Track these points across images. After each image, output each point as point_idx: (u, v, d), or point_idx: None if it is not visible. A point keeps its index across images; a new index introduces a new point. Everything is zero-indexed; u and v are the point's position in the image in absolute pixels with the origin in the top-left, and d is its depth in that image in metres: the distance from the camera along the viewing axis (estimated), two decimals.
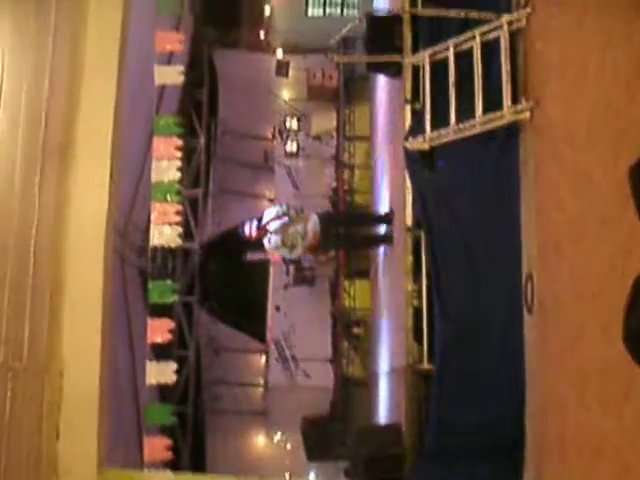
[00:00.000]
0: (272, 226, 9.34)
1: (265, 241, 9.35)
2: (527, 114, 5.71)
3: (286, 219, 9.44)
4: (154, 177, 5.68)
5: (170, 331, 5.61)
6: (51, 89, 4.75)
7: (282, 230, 9.31)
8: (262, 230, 9.28)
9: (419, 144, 6.88)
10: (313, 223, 9.48)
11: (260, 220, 9.45)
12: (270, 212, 9.66)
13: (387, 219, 9.93)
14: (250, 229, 9.24)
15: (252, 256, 16.38)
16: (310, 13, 19.31)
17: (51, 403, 4.70)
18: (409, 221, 7.48)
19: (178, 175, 5.67)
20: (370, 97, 16.28)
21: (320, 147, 17.31)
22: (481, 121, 6.17)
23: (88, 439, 4.78)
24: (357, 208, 16.86)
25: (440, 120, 6.71)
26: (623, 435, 3.80)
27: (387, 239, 9.84)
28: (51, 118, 4.97)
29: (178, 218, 5.62)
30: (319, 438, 13.00)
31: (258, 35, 18.48)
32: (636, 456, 3.63)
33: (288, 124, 16.79)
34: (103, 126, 5.35)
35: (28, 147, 4.52)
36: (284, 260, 15.92)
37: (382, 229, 10.55)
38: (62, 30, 4.86)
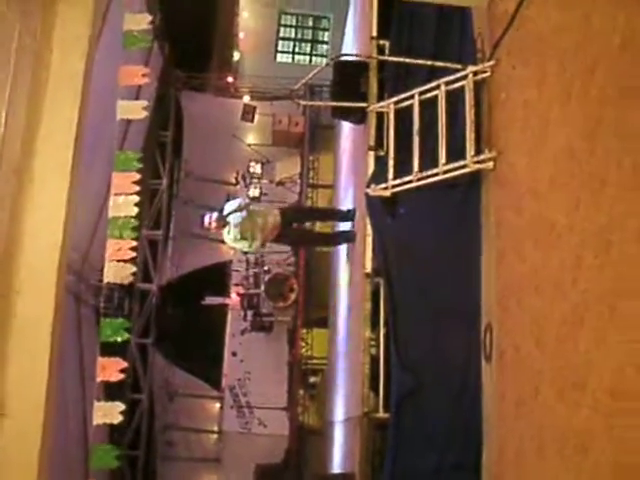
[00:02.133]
0: (232, 218, 9.19)
1: (224, 233, 9.20)
2: (490, 164, 5.72)
3: (245, 212, 9.27)
4: (111, 213, 5.56)
5: (122, 371, 5.43)
6: (10, 112, 4.63)
7: (242, 222, 9.16)
8: (221, 221, 9.12)
9: (381, 191, 6.87)
10: (274, 215, 9.34)
11: (221, 212, 9.29)
12: (231, 204, 9.49)
13: (349, 216, 9.80)
14: (210, 220, 9.09)
15: (211, 300, 16.26)
16: (279, 59, 19.51)
17: None
18: (369, 268, 7.43)
19: (135, 210, 5.55)
20: (335, 145, 16.37)
21: (284, 193, 17.31)
22: (444, 170, 6.17)
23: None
24: (318, 255, 16.83)
25: (403, 168, 6.71)
26: None
27: (349, 236, 9.68)
28: (7, 147, 4.84)
29: (133, 254, 5.48)
30: None
31: (226, 79, 18.58)
32: None
33: (252, 169, 16.76)
34: (62, 157, 5.22)
35: None
36: (242, 306, 15.85)
37: (345, 226, 10.39)
38: (24, 51, 4.77)
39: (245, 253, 14.69)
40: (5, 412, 4.62)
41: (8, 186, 4.88)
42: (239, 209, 9.17)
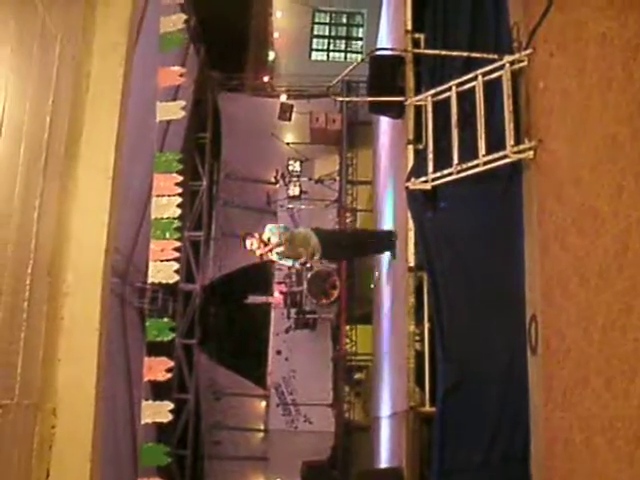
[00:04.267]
0: (273, 240, 9.20)
1: (271, 255, 9.23)
2: (530, 153, 5.68)
3: (285, 239, 9.30)
4: (154, 214, 5.64)
5: (168, 370, 5.50)
6: (53, 118, 4.71)
7: (284, 243, 9.18)
8: (264, 245, 9.14)
9: (421, 184, 6.85)
10: (314, 242, 9.34)
11: (261, 235, 9.29)
12: (270, 227, 9.51)
13: (389, 238, 9.78)
14: (251, 244, 9.11)
15: (254, 299, 16.35)
16: (314, 57, 19.51)
17: (42, 442, 4.58)
18: (412, 262, 7.41)
19: (178, 212, 5.62)
20: (373, 141, 16.34)
21: (323, 190, 17.34)
22: (484, 161, 6.13)
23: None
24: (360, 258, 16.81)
25: (443, 160, 6.68)
26: None
27: (390, 245, 9.65)
28: (52, 153, 4.92)
29: (176, 254, 5.54)
30: None
31: (262, 79, 18.65)
32: None
33: (291, 167, 16.83)
34: (104, 162, 5.30)
35: (28, 178, 4.47)
36: (285, 304, 15.90)
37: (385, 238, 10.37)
38: (65, 59, 4.85)
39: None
40: (57, 414, 4.71)
41: (53, 191, 4.96)
42: (278, 244, 9.17)
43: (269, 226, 9.38)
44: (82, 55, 5.08)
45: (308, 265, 10.02)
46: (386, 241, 9.97)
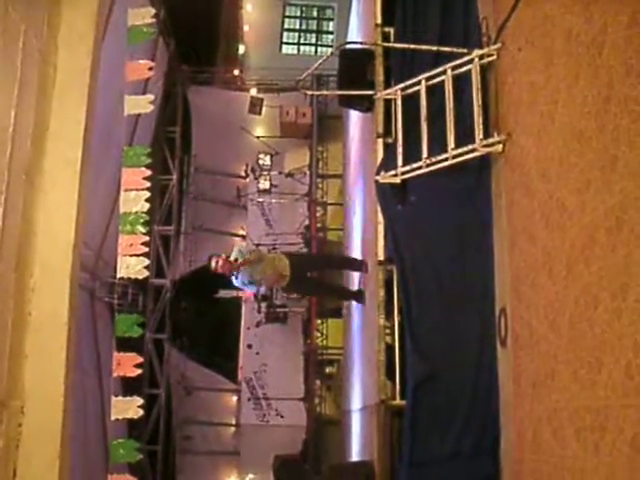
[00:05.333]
0: (240, 262, 9.08)
1: (233, 277, 9.10)
2: (499, 147, 5.71)
3: (254, 257, 9.18)
4: (122, 208, 5.58)
5: (138, 365, 5.46)
6: (19, 111, 4.65)
7: (250, 268, 9.07)
8: (229, 265, 9.00)
9: (390, 178, 6.86)
10: (283, 265, 9.25)
11: (228, 256, 9.18)
12: (239, 248, 9.44)
13: (359, 266, 9.82)
14: (217, 264, 8.97)
15: (225, 293, 16.30)
16: (284, 51, 19.48)
17: (9, 441, 4.53)
18: (381, 255, 7.43)
19: (146, 206, 5.57)
20: (343, 134, 16.36)
21: (293, 184, 17.33)
22: (453, 154, 6.15)
23: (48, 479, 4.60)
24: (330, 245, 16.85)
25: (412, 154, 6.69)
26: (600, 470, 3.73)
27: (359, 296, 9.76)
28: (17, 147, 4.86)
29: (145, 249, 5.50)
30: (291, 478, 12.79)
31: (232, 72, 18.58)
32: None
33: (261, 161, 16.78)
34: (72, 156, 5.24)
35: None
36: (256, 297, 15.87)
37: (355, 283, 10.48)
38: (30, 52, 4.79)
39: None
40: (24, 410, 4.66)
41: (19, 186, 4.90)
42: (247, 252, 9.07)
43: (237, 246, 9.31)
44: (48, 47, 5.02)
45: (272, 290, 9.83)
46: (353, 293, 10.06)
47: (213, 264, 8.85)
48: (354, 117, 12.50)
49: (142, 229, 5.54)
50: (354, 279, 10.80)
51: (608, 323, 3.70)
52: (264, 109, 16.95)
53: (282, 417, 16.27)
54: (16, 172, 4.79)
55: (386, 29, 7.99)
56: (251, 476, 16.54)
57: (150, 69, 5.85)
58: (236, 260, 8.89)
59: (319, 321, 16.71)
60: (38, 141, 5.08)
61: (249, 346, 16.79)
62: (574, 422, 4.12)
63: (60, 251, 5.09)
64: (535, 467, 4.79)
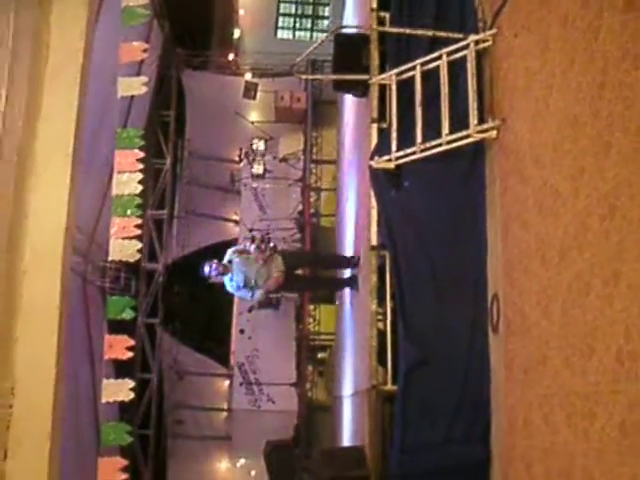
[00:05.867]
0: (235, 266, 9.04)
1: (226, 280, 9.04)
2: (493, 133, 5.70)
3: (249, 259, 9.14)
4: (115, 191, 5.56)
5: (130, 348, 5.45)
6: (10, 92, 4.62)
7: (244, 271, 9.02)
8: (223, 269, 8.96)
9: (385, 163, 6.84)
10: (277, 265, 9.22)
11: (221, 260, 9.13)
12: (233, 251, 9.37)
13: (352, 263, 9.83)
14: (210, 269, 8.91)
15: (217, 278, 16.27)
16: (280, 35, 19.38)
17: (0, 421, 4.53)
18: (374, 241, 7.42)
19: (139, 188, 5.54)
20: (337, 119, 16.31)
21: (287, 169, 17.28)
22: (447, 140, 6.14)
23: (39, 460, 4.60)
24: (323, 231, 16.82)
25: (407, 139, 6.68)
26: (590, 455, 3.74)
27: (352, 282, 9.75)
28: (9, 128, 4.84)
29: (138, 232, 5.48)
30: (283, 463, 12.81)
31: (227, 56, 18.48)
32: (602, 475, 3.58)
33: (255, 146, 16.71)
34: (64, 138, 5.22)
35: None
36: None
37: (346, 274, 10.48)
38: (22, 28, 4.75)
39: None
40: (14, 391, 4.66)
41: (11, 168, 4.89)
42: (240, 254, 9.04)
43: (231, 250, 9.23)
44: (40, 27, 4.98)
45: (265, 296, 9.81)
46: (346, 281, 10.05)
47: (207, 269, 8.79)
48: (349, 102, 12.46)
49: (135, 212, 5.51)
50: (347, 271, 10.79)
51: (600, 309, 3.71)
52: (259, 94, 16.88)
53: (274, 402, 16.28)
54: (7, 154, 4.76)
55: (382, 14, 7.94)
56: (242, 461, 16.58)
57: (144, 51, 5.83)
58: (230, 262, 8.86)
59: (311, 307, 16.70)
60: (30, 122, 5.05)
61: (241, 331, 16.77)
62: (565, 408, 4.13)
63: (52, 234, 5.08)
64: (526, 453, 4.81)
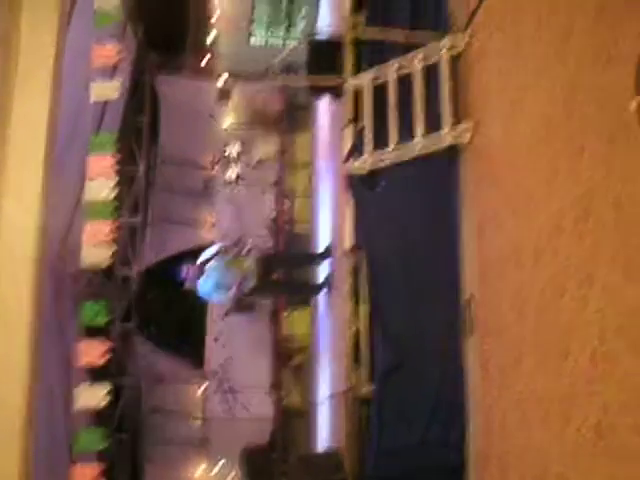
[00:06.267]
0: (209, 268, 9.19)
1: (200, 283, 9.18)
2: (467, 135, 5.71)
3: (222, 261, 9.30)
4: (87, 196, 5.51)
5: (104, 353, 5.40)
6: None
7: (218, 273, 9.17)
8: (198, 272, 9.13)
9: (360, 165, 6.84)
10: (250, 267, 9.35)
11: (197, 263, 9.30)
12: (208, 252, 9.51)
13: (325, 256, 9.91)
14: (187, 272, 9.12)
15: (192, 285, 16.17)
16: (254, 41, 19.33)
17: None
18: (350, 242, 7.41)
19: (112, 194, 5.49)
20: (312, 123, 16.30)
21: (261, 174, 17.22)
22: (421, 142, 6.15)
23: (9, 467, 4.54)
24: (297, 237, 16.77)
25: (382, 142, 6.68)
26: (565, 458, 3.75)
27: (326, 283, 9.82)
28: None
29: (110, 237, 5.43)
30: (259, 468, 12.78)
31: (201, 61, 18.41)
32: (578, 478, 3.58)
33: (228, 151, 16.67)
34: (35, 143, 5.17)
35: None
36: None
37: (321, 277, 10.53)
38: None
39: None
40: None
41: None
42: (214, 257, 9.19)
43: (206, 252, 9.39)
44: (10, 30, 4.93)
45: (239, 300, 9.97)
46: (319, 286, 10.12)
47: (184, 273, 8.98)
48: (324, 105, 12.46)
49: (108, 217, 5.46)
50: (321, 272, 10.81)
51: (574, 311, 3.72)
52: (233, 98, 16.83)
53: (248, 410, 16.19)
54: None
55: (356, 17, 7.94)
56: (220, 465, 16.49)
57: (119, 52, 5.77)
58: (206, 261, 8.98)
59: (286, 312, 16.64)
60: (1, 128, 4.99)
61: (215, 339, 16.69)
62: (539, 409, 4.14)
63: (23, 239, 5.03)
64: (501, 455, 4.82)
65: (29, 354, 4.78)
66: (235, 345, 16.35)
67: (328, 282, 9.72)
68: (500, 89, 5.12)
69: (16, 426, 4.61)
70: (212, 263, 9.14)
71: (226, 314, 16.07)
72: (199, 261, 9.11)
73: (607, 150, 3.42)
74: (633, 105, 3.09)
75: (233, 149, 16.44)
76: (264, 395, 16.09)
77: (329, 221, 10.79)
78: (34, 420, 4.82)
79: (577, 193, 3.73)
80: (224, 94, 16.72)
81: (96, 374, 7.19)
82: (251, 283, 9.32)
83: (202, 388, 16.81)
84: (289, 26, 20.30)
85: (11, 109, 5.12)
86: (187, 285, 9.21)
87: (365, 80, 7.04)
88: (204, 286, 9.16)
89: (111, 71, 8.86)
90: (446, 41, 6.10)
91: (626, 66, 3.19)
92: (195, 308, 16.76)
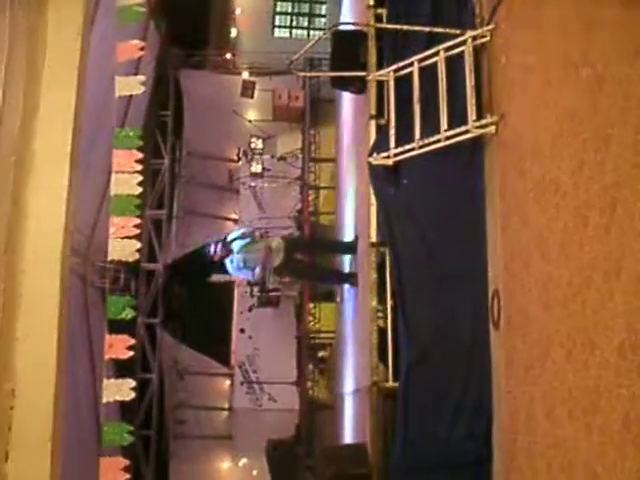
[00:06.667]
0: (236, 246, 9.33)
1: (227, 261, 9.33)
2: (492, 128, 5.68)
3: (249, 240, 9.45)
4: (113, 191, 5.53)
5: (130, 348, 5.43)
6: (7, 92, 4.60)
7: (245, 251, 9.30)
8: (226, 249, 9.29)
9: (383, 160, 6.83)
10: (277, 245, 9.45)
11: (225, 240, 9.48)
12: (235, 233, 9.67)
13: (352, 247, 9.93)
14: (215, 248, 9.27)
15: (217, 278, 16.28)
16: (277, 34, 19.36)
17: (1, 423, 4.52)
18: (374, 237, 7.42)
19: (138, 189, 5.52)
20: (335, 117, 16.30)
21: (285, 168, 17.28)
22: (445, 136, 6.12)
23: (41, 461, 4.59)
24: (322, 229, 16.81)
25: (405, 136, 6.66)
26: (592, 449, 3.74)
27: (351, 279, 9.84)
28: (5, 129, 4.82)
29: (137, 231, 5.45)
30: (284, 462, 12.84)
31: (224, 56, 18.47)
32: (605, 469, 3.57)
33: (253, 145, 16.73)
34: (62, 138, 5.20)
35: None
36: (249, 282, 15.86)
37: (347, 266, 10.56)
38: (18, 38, 4.74)
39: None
40: (15, 392, 4.64)
41: (9, 168, 4.87)
42: (242, 237, 9.34)
43: (236, 229, 9.57)
44: (37, 25, 4.97)
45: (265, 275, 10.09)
46: (346, 276, 10.15)
47: (212, 249, 9.10)
48: (347, 100, 12.46)
49: (134, 212, 5.49)
50: (346, 263, 10.82)
51: (601, 304, 3.70)
52: (256, 93, 16.88)
53: (275, 401, 16.30)
54: (5, 153, 4.75)
55: (379, 10, 7.94)
56: (244, 460, 16.58)
57: (141, 49, 5.79)
58: (234, 240, 9.12)
59: (312, 305, 16.70)
60: (27, 122, 5.03)
61: (242, 330, 16.80)
62: (567, 403, 4.12)
63: (51, 234, 5.06)
64: (528, 448, 4.80)
65: (57, 350, 4.81)
66: (261, 337, 16.47)
67: (353, 275, 9.74)
68: (524, 81, 5.09)
69: (47, 423, 4.66)
70: (239, 242, 9.30)
71: (250, 309, 16.18)
72: (227, 239, 9.29)
73: (633, 141, 3.39)
74: None
75: (258, 142, 16.49)
76: (290, 387, 16.18)
77: (353, 214, 10.79)
78: (64, 415, 4.87)
79: (603, 184, 3.70)
80: (248, 88, 16.74)
81: (121, 369, 7.24)
82: (277, 262, 9.40)
83: (229, 380, 16.93)
84: (312, 17, 20.35)
85: (38, 104, 5.16)
86: (216, 259, 9.34)
87: (389, 73, 7.02)
88: (231, 263, 9.32)
89: (135, 67, 8.93)
90: (470, 34, 6.06)
91: None
92: (220, 301, 16.89)
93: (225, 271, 9.89)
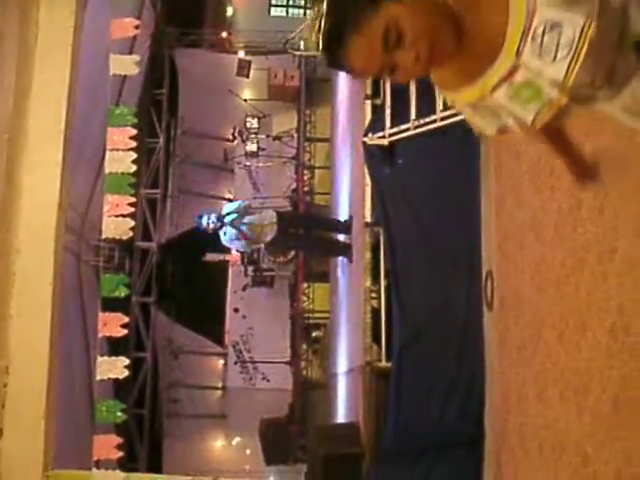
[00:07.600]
0: (229, 218, 9.38)
1: (221, 233, 9.40)
2: None
3: (244, 212, 9.51)
4: (107, 168, 5.50)
5: (124, 326, 5.42)
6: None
7: (238, 223, 9.35)
8: (219, 222, 9.35)
9: (379, 140, 6.82)
10: (271, 218, 9.51)
11: (219, 213, 9.54)
12: (229, 206, 9.72)
13: (346, 227, 9.96)
14: (207, 220, 9.33)
15: (211, 257, 16.26)
16: (273, 13, 19.22)
17: None
18: (368, 218, 7.42)
19: (133, 167, 5.48)
20: (331, 97, 16.24)
21: (281, 148, 17.21)
22: (441, 117, 6.11)
23: (34, 439, 4.60)
24: (317, 209, 16.79)
25: (401, 116, 6.65)
26: (583, 430, 3.76)
27: (346, 250, 9.85)
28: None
29: (131, 209, 5.43)
30: (277, 441, 12.89)
31: (220, 34, 18.35)
32: (595, 450, 3.60)
33: (248, 124, 16.66)
34: (55, 115, 5.17)
35: None
36: (243, 261, 15.87)
37: (341, 237, 10.59)
38: (10, 16, 4.70)
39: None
40: (9, 370, 4.65)
41: (2, 146, 4.85)
42: (236, 210, 9.39)
43: (229, 204, 9.61)
44: (30, 2, 4.93)
45: (258, 253, 10.16)
46: (341, 248, 10.17)
47: (205, 221, 9.15)
48: (343, 79, 12.41)
49: (128, 190, 5.46)
50: (341, 237, 10.85)
51: (595, 285, 3.71)
52: (252, 72, 16.77)
53: (268, 381, 16.34)
54: None
55: None
56: (238, 439, 16.65)
57: (136, 27, 5.74)
58: (227, 214, 9.17)
59: (306, 285, 16.70)
60: (20, 100, 5.00)
61: (235, 310, 16.81)
62: (558, 384, 4.14)
63: (45, 212, 5.04)
64: (519, 429, 4.83)
65: (51, 327, 4.82)
66: (255, 317, 16.47)
67: (348, 250, 9.77)
68: None
69: (40, 400, 4.67)
70: (233, 215, 9.36)
71: (244, 288, 16.19)
72: (221, 212, 9.36)
73: None
74: None
75: (253, 122, 16.42)
76: (284, 367, 16.21)
77: (348, 194, 10.78)
78: (57, 392, 4.88)
79: None
80: (243, 67, 16.64)
81: (115, 347, 7.26)
82: (270, 236, 9.48)
83: (223, 359, 16.97)
84: None
85: (31, 83, 5.12)
86: (210, 231, 9.44)
87: None
88: (224, 235, 9.40)
89: (130, 46, 8.86)
90: None
91: None
92: (215, 280, 16.88)
93: (219, 245, 10.00)
